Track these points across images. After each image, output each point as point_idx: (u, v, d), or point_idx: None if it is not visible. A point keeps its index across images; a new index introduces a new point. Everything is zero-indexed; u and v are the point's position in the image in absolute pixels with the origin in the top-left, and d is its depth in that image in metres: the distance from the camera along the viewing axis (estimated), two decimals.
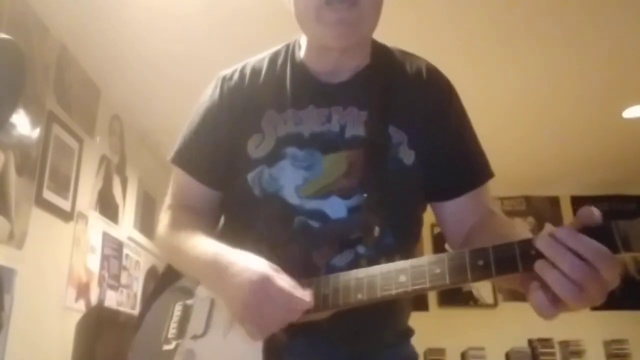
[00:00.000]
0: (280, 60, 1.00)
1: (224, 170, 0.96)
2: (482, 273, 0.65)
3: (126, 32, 2.50)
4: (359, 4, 0.85)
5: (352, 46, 0.92)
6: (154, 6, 2.33)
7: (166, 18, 2.41)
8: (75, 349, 2.41)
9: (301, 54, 0.99)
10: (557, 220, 4.74)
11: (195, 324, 0.88)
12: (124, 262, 3.19)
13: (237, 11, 2.34)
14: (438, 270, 0.68)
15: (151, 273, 3.72)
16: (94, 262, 2.77)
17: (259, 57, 1.03)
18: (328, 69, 0.95)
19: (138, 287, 3.44)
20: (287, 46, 1.03)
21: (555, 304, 0.62)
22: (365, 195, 0.86)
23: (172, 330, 0.92)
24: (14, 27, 2.09)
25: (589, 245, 0.60)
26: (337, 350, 0.86)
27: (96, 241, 2.81)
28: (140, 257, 3.51)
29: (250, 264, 0.78)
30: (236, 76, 1.01)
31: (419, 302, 4.26)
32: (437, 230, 4.58)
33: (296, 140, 0.91)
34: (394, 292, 0.71)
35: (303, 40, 1.00)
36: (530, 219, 4.75)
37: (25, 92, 2.15)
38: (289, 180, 0.89)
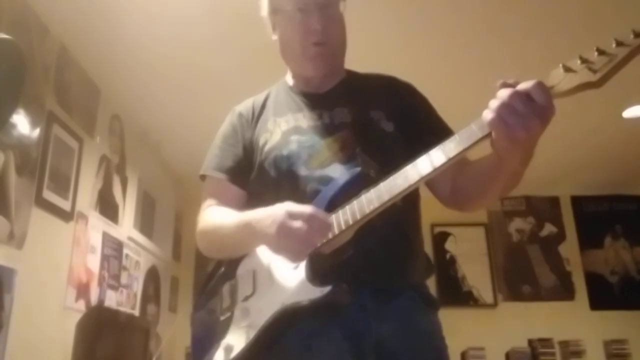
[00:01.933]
0: (274, 90, 1.30)
1: (249, 171, 1.19)
2: (457, 150, 0.86)
3: (126, 32, 2.50)
4: (332, 44, 1.19)
5: (328, 74, 1.22)
6: (154, 6, 2.34)
7: (166, 18, 2.42)
8: (75, 349, 2.41)
9: (290, 83, 1.29)
10: (557, 220, 4.75)
11: (244, 290, 1.06)
12: (124, 262, 3.19)
13: (237, 13, 2.34)
14: (428, 162, 0.90)
15: (151, 273, 3.73)
16: (94, 262, 2.77)
17: (260, 94, 1.31)
18: (313, 88, 1.24)
19: (138, 287, 3.44)
20: (278, 83, 1.32)
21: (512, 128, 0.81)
22: (358, 149, 1.06)
23: (224, 304, 1.09)
24: (14, 27, 2.09)
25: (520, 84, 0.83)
26: (363, 284, 1.00)
27: (96, 241, 2.82)
28: (140, 257, 3.51)
29: (272, 210, 0.98)
30: (243, 106, 1.29)
31: None
32: (437, 230, 4.59)
33: (298, 131, 1.15)
34: (397, 190, 0.91)
35: (288, 77, 1.31)
36: (530, 219, 4.75)
37: (25, 92, 2.15)
38: (297, 157, 1.11)
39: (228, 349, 1.02)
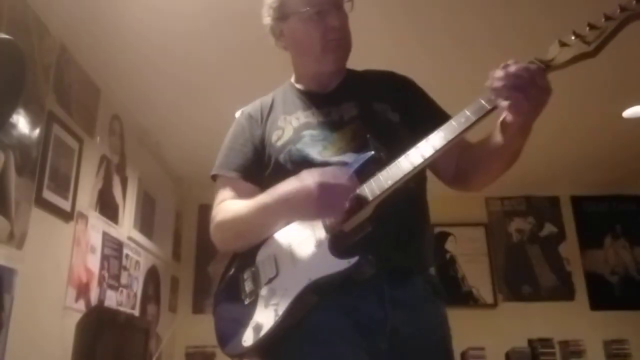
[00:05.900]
0: (280, 91, 1.33)
1: (260, 167, 1.22)
2: (467, 125, 0.96)
3: (126, 32, 2.50)
4: (347, 39, 1.25)
5: (338, 70, 1.28)
6: (154, 6, 2.34)
7: (166, 18, 2.42)
8: (75, 349, 2.41)
9: (296, 85, 1.33)
10: (557, 220, 4.75)
11: (267, 273, 1.08)
12: (124, 262, 3.20)
13: (237, 12, 2.34)
14: (440, 136, 0.98)
15: (151, 273, 3.73)
16: (94, 262, 2.77)
17: (266, 96, 1.34)
18: (320, 87, 1.28)
19: (138, 287, 3.44)
20: (283, 85, 1.35)
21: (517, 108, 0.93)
22: (368, 136, 1.09)
23: (248, 289, 1.10)
24: (14, 27, 2.09)
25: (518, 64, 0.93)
26: (383, 261, 1.02)
27: (96, 241, 2.82)
28: (140, 257, 3.51)
29: (299, 180, 1.02)
30: (251, 107, 1.32)
31: None
32: (437, 230, 4.59)
33: (309, 126, 1.20)
34: (410, 167, 0.97)
35: (292, 79, 1.35)
36: (530, 219, 4.75)
37: (25, 92, 2.16)
38: (312, 149, 1.15)
39: (257, 328, 1.04)
